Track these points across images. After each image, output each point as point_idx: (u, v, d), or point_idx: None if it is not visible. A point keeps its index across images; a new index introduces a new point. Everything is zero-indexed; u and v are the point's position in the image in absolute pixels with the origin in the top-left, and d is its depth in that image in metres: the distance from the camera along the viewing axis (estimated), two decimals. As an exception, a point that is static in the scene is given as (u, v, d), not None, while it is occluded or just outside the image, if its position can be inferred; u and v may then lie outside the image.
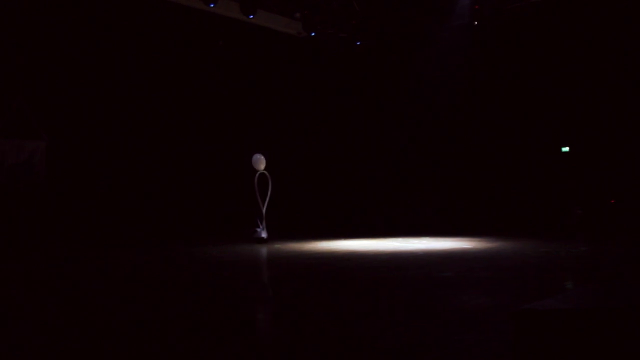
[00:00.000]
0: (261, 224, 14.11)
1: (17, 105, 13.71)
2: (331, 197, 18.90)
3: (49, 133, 14.24)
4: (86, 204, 14.56)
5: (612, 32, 15.88)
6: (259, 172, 14.38)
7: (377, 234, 15.91)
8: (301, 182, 18.36)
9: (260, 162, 14.41)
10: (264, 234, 14.00)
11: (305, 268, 9.09)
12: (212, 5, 15.38)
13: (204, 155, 16.80)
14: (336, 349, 3.74)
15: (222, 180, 16.84)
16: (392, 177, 19.46)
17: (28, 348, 3.81)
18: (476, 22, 17.01)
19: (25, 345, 3.89)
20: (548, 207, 16.87)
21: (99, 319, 4.59)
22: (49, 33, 14.10)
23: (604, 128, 16.30)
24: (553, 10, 16.50)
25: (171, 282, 6.66)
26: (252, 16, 16.07)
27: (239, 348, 3.68)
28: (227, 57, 17.25)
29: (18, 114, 13.78)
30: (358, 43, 18.33)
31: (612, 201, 15.88)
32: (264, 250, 12.36)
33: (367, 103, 19.79)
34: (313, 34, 17.26)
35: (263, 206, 14.29)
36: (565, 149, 17.20)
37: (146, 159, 15.82)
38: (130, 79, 15.51)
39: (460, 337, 4.14)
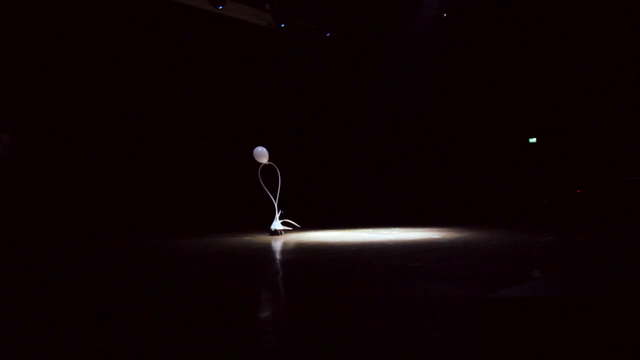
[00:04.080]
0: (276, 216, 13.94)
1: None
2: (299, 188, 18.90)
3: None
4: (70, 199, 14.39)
5: (579, 24, 16.17)
6: (262, 165, 14.18)
7: (346, 225, 15.99)
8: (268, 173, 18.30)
9: (263, 155, 14.17)
10: (279, 226, 13.84)
11: (274, 260, 9.09)
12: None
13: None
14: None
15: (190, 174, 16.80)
16: (360, 168, 19.56)
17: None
18: (445, 14, 17.19)
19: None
20: (515, 197, 17.18)
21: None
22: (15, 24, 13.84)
23: (571, 119, 16.63)
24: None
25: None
26: (221, 7, 15.99)
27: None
28: (198, 49, 17.10)
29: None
30: (328, 34, 18.37)
31: (579, 191, 16.26)
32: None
33: (337, 94, 19.82)
34: (283, 25, 17.23)
35: (275, 198, 14.04)
36: (533, 140, 17.52)
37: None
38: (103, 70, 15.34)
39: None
